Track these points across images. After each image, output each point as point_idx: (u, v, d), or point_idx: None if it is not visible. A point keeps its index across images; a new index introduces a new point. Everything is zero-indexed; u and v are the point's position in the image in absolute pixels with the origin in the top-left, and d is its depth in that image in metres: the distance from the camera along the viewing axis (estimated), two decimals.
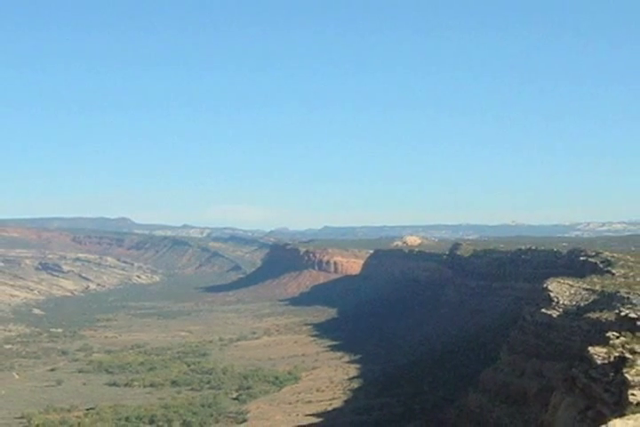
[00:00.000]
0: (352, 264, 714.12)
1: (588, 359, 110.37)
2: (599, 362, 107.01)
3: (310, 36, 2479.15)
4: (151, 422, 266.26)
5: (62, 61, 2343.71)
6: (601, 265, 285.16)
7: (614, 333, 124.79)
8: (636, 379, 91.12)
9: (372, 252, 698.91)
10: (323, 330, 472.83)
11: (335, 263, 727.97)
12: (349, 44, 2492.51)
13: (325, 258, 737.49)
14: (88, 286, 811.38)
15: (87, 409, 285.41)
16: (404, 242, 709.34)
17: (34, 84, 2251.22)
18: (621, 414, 54.30)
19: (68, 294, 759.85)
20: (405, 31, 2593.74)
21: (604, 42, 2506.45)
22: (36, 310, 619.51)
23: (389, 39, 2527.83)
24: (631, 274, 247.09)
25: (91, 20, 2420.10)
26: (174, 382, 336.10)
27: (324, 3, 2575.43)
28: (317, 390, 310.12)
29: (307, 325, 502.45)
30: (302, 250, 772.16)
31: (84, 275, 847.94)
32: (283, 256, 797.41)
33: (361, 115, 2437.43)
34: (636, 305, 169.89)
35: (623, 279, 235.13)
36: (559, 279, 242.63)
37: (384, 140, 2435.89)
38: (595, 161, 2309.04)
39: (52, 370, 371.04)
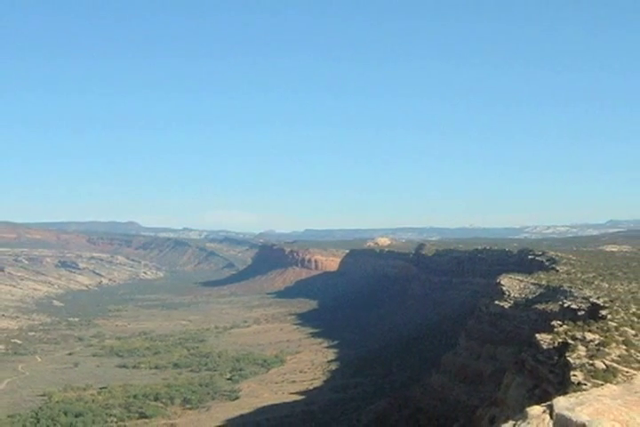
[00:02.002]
0: (330, 262, 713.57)
1: (536, 345, 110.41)
2: (545, 347, 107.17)
3: (296, 64, 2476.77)
4: (156, 399, 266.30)
5: (79, 82, 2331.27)
6: (547, 263, 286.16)
7: (558, 321, 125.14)
8: (577, 362, 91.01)
9: (347, 251, 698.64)
10: (305, 319, 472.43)
11: (316, 261, 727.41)
12: (327, 70, 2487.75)
13: (307, 257, 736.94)
14: (101, 281, 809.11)
15: (100, 388, 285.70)
16: (376, 243, 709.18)
17: (56, 104, 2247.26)
18: (564, 393, 53.75)
19: (84, 288, 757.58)
20: (375, 59, 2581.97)
21: (542, 70, 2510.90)
22: (56, 302, 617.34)
23: (360, 65, 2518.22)
24: (573, 271, 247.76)
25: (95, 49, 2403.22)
26: (176, 365, 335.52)
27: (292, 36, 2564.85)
28: (300, 372, 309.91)
29: (291, 315, 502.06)
30: (287, 250, 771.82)
31: (97, 271, 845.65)
32: (270, 255, 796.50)
33: (337, 133, 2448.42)
34: (577, 298, 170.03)
35: (566, 275, 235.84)
36: (510, 275, 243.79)
37: (359, 155, 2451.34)
38: (541, 172, 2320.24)
39: (70, 354, 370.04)
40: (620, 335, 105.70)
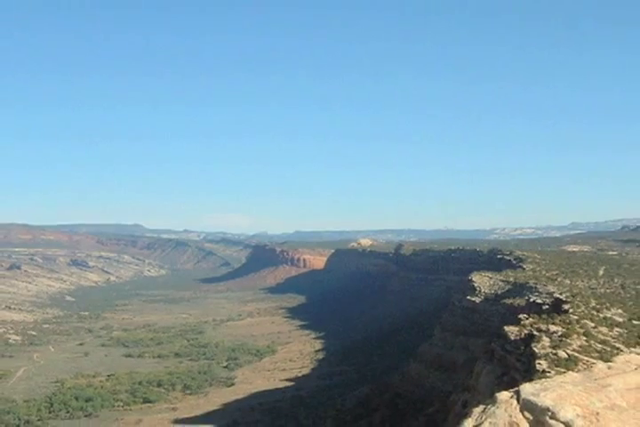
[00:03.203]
0: (318, 261, 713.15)
1: (504, 336, 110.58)
2: (513, 338, 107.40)
3: (286, 81, 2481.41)
4: (159, 385, 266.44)
5: (90, 98, 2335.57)
6: (514, 261, 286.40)
7: (524, 315, 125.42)
8: (542, 351, 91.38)
9: (333, 251, 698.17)
10: (294, 313, 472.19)
11: (304, 260, 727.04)
12: (314, 88, 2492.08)
13: (296, 256, 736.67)
14: (109, 278, 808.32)
15: (108, 375, 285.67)
16: (359, 243, 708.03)
17: (69, 119, 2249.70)
18: (530, 380, 54.06)
19: (93, 284, 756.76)
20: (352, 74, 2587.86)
21: (511, 83, 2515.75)
22: (68, 297, 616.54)
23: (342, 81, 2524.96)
24: (538, 269, 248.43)
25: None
26: (177, 354, 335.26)
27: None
28: (290, 361, 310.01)
29: (281, 309, 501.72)
30: (278, 249, 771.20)
31: (105, 269, 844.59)
32: (262, 255, 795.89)
33: (324, 144, 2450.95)
34: (541, 293, 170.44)
35: (532, 273, 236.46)
36: (481, 273, 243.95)
37: (344, 164, 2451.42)
38: (509, 179, 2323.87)
39: (81, 344, 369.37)
40: (581, 327, 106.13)
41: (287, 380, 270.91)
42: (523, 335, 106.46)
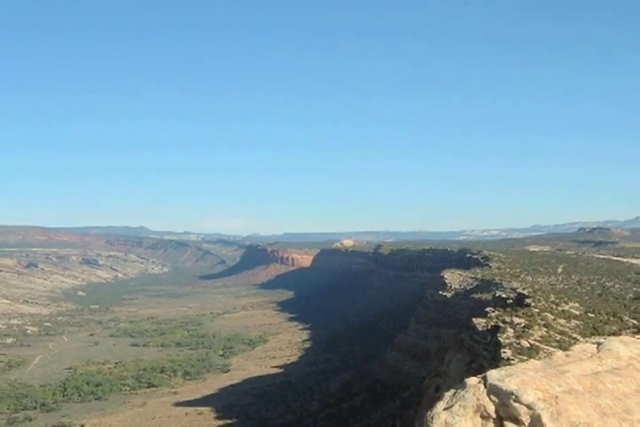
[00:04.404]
0: (304, 260, 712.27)
1: (473, 327, 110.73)
2: (480, 329, 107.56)
3: (275, 98, 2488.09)
4: (161, 371, 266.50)
5: (104, 110, 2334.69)
6: (481, 260, 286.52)
7: (491, 308, 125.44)
8: (507, 341, 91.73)
9: (319, 251, 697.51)
10: (283, 306, 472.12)
11: (292, 259, 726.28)
12: (299, 106, 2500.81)
13: (285, 255, 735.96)
14: (117, 275, 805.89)
15: (116, 363, 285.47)
16: (342, 244, 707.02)
17: (84, 133, 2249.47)
18: (496, 366, 54.13)
19: (103, 280, 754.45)
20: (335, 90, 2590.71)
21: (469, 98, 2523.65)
22: (80, 292, 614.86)
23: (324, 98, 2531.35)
24: (503, 267, 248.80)
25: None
26: (178, 344, 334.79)
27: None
28: (280, 349, 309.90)
29: (272, 302, 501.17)
30: (269, 249, 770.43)
31: (114, 267, 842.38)
32: (255, 254, 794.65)
33: (310, 155, 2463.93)
34: (506, 288, 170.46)
35: (497, 270, 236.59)
36: (452, 270, 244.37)
37: (329, 172, 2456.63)
38: (477, 185, 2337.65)
39: (91, 335, 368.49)
40: (542, 320, 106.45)
41: (277, 367, 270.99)
42: (489, 327, 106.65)
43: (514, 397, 29.89)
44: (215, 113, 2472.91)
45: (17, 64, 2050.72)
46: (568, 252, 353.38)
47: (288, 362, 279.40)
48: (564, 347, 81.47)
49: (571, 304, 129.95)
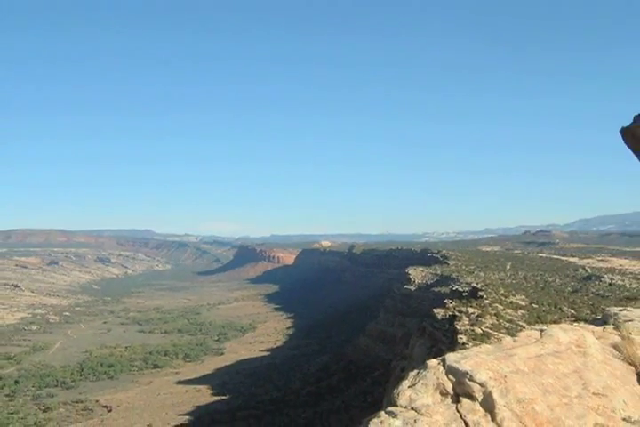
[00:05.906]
0: (288, 258, 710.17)
1: (433, 316, 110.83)
2: (440, 318, 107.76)
3: (268, 118, 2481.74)
4: (165, 354, 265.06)
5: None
6: (441, 258, 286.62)
7: (449, 300, 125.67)
8: (462, 328, 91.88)
9: (300, 250, 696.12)
10: (270, 298, 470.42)
11: (278, 257, 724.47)
12: (287, 122, 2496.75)
13: (272, 254, 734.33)
14: (126, 272, 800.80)
15: (126, 347, 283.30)
16: (320, 244, 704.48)
17: (91, 137, 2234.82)
18: (453, 350, 54.05)
19: (114, 276, 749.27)
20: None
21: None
22: (95, 286, 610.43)
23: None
24: (459, 264, 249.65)
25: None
26: (179, 330, 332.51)
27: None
28: (267, 335, 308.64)
29: (260, 295, 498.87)
30: (258, 249, 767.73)
31: (124, 264, 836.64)
32: (245, 253, 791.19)
33: (292, 167, 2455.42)
34: (462, 283, 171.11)
35: (454, 267, 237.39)
36: (415, 267, 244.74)
37: (310, 183, 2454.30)
38: (436, 193, 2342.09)
39: (105, 323, 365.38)
40: (493, 310, 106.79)
41: (264, 350, 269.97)
42: (447, 316, 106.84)
43: (468, 376, 29.54)
44: (211, 131, 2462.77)
45: (40, 88, 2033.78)
46: (515, 251, 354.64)
47: (274, 346, 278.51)
48: (511, 333, 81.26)
49: (517, 296, 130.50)
